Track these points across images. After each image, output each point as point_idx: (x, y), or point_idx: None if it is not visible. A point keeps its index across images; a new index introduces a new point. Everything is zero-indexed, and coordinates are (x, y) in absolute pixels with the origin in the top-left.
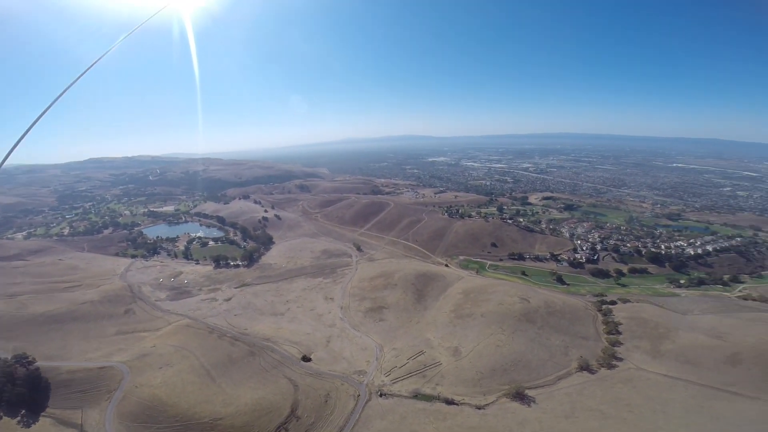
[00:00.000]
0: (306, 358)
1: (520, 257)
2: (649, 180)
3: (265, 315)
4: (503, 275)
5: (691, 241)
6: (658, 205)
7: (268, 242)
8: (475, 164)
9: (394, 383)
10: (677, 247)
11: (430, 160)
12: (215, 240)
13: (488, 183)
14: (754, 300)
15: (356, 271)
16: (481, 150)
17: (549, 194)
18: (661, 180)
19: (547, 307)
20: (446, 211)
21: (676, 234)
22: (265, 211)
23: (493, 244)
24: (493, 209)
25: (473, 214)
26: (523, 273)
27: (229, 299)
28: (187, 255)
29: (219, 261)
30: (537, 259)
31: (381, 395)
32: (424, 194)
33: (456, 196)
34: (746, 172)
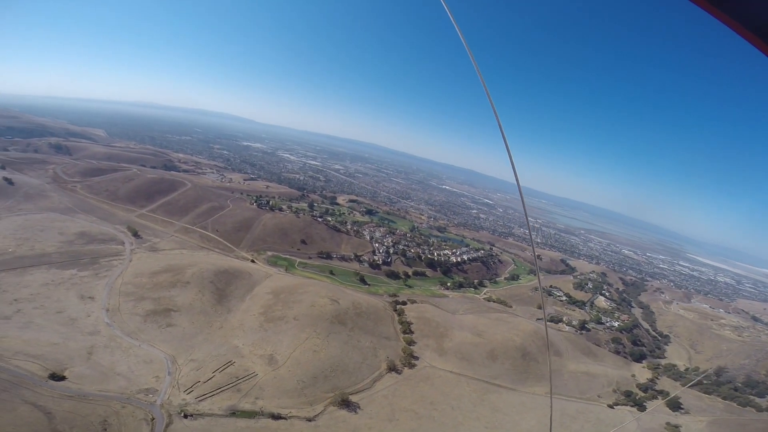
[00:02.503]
0: (57, 377)
1: (329, 256)
2: (426, 196)
3: None
4: (313, 274)
5: (454, 250)
6: (432, 218)
7: None
8: (292, 157)
9: (200, 401)
10: (444, 254)
11: (245, 143)
12: None
13: (302, 178)
14: (495, 302)
15: (131, 262)
16: (299, 144)
17: (354, 197)
18: (434, 198)
19: (355, 309)
20: (255, 201)
21: (443, 244)
22: None
23: (303, 241)
24: (304, 205)
25: (284, 207)
26: (331, 272)
27: None
28: None
29: None
30: (343, 258)
31: (186, 416)
32: (231, 179)
33: (267, 186)
34: (486, 200)
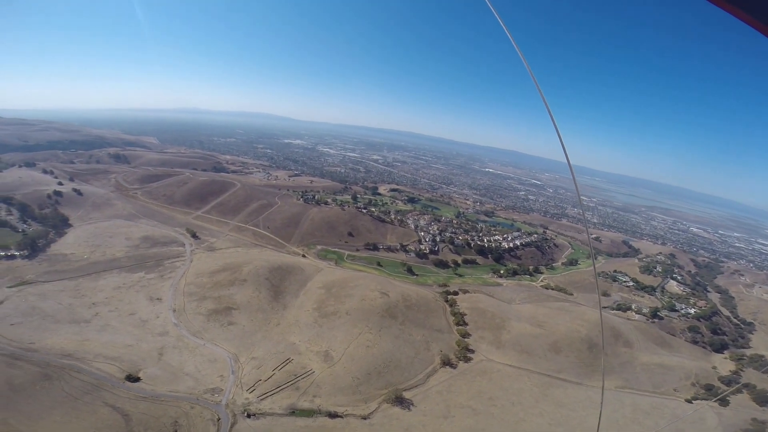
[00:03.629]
0: (132, 378)
1: (375, 247)
2: (469, 181)
3: (61, 323)
4: (361, 266)
5: (505, 235)
6: (478, 203)
7: (61, 225)
8: (332, 151)
9: (262, 400)
10: (495, 240)
11: (286, 141)
12: None
13: (343, 170)
14: (552, 289)
15: (191, 263)
16: (337, 138)
17: (395, 186)
18: (478, 181)
19: (405, 301)
20: (302, 196)
21: (492, 229)
22: (60, 183)
23: (350, 234)
24: (347, 197)
25: (329, 201)
26: (379, 264)
27: (0, 303)
28: None
29: None
30: (389, 249)
31: (249, 416)
32: (277, 176)
33: (311, 181)
34: (534, 180)
